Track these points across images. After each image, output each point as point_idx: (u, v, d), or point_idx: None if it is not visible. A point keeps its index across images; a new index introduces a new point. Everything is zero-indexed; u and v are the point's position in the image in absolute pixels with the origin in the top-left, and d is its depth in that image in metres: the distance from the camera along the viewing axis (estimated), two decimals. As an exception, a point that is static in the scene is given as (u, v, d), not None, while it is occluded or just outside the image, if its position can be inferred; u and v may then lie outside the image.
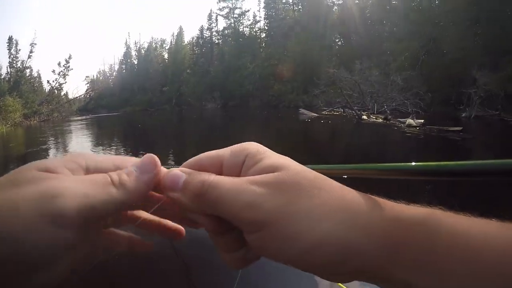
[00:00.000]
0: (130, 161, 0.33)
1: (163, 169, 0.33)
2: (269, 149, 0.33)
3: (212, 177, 0.30)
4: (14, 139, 23.66)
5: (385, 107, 20.15)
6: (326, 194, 0.28)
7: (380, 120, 16.95)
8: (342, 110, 22.06)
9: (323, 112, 22.45)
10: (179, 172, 0.32)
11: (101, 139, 14.76)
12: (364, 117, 18.16)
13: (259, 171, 0.30)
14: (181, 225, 0.37)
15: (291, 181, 0.28)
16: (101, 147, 12.14)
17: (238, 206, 0.28)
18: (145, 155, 0.32)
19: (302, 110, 23.25)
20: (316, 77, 28.84)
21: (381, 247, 0.26)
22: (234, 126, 18.57)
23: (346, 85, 24.52)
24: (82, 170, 0.31)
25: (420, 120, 14.48)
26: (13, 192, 0.25)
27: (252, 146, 0.33)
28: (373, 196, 0.29)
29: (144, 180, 0.31)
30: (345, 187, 0.30)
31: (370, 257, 0.26)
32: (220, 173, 0.32)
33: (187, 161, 0.35)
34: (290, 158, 0.31)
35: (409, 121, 14.59)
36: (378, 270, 0.26)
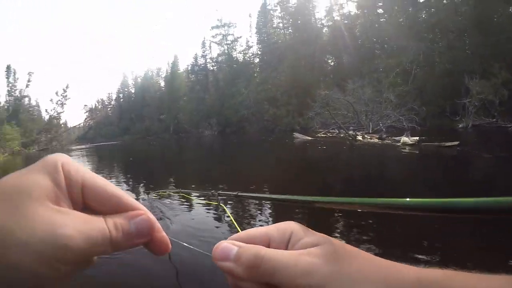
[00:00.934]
0: (128, 204, 0.35)
1: (158, 228, 0.36)
2: (309, 228, 0.37)
3: (265, 250, 0.34)
4: (13, 168, 23.45)
5: (381, 125, 19.88)
6: (361, 261, 0.32)
7: (375, 140, 16.56)
8: (337, 131, 21.62)
9: (318, 135, 22.04)
10: (229, 244, 0.36)
11: (101, 170, 14.64)
12: (359, 137, 17.74)
13: (304, 246, 0.34)
14: None
15: (334, 253, 0.32)
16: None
17: (296, 274, 0.31)
18: (142, 218, 0.35)
19: (296, 134, 22.93)
20: (310, 99, 28.60)
21: None
22: (230, 155, 18.44)
23: (340, 106, 24.41)
24: (80, 197, 0.34)
25: (415, 138, 14.03)
26: (23, 222, 0.28)
27: (295, 225, 0.37)
28: (389, 260, 0.32)
29: (136, 243, 0.34)
30: (367, 253, 0.33)
31: None
32: (267, 247, 0.36)
33: (235, 234, 0.39)
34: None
35: (404, 139, 14.19)
36: None
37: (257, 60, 53.32)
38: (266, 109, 38.36)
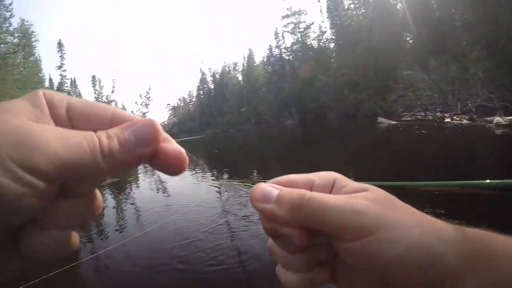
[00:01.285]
0: (126, 117, 0.31)
1: (166, 137, 0.31)
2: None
3: (310, 192, 0.33)
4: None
5: (470, 104, 18.93)
6: (409, 209, 0.32)
7: (465, 121, 15.88)
8: (423, 114, 20.90)
9: (403, 119, 21.24)
10: (269, 187, 0.34)
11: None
12: (447, 119, 17.28)
13: (351, 191, 0.34)
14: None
15: (384, 197, 0.33)
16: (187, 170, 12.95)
17: (345, 214, 0.30)
18: (144, 121, 0.29)
19: (380, 119, 22.23)
20: (392, 81, 27.65)
21: (457, 254, 0.30)
22: (314, 143, 18.21)
23: (424, 86, 23.62)
24: (67, 121, 0.29)
25: (509, 117, 13.21)
26: None
27: (338, 174, 0.38)
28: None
29: (138, 155, 0.28)
30: (410, 206, 0.34)
31: (449, 264, 0.29)
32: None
33: (275, 178, 0.37)
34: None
35: (497, 119, 13.34)
36: (454, 277, 0.29)
37: (332, 45, 52.62)
38: (347, 94, 37.79)
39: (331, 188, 0.36)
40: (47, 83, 57.05)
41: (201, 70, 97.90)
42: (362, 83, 36.83)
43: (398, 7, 41.09)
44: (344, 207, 0.30)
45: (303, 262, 0.34)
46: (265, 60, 64.32)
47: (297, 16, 54.47)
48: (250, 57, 70.46)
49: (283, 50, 59.36)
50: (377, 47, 36.94)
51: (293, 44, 56.79)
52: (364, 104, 35.06)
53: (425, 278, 0.30)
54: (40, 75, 48.63)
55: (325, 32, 53.19)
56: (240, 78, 77.34)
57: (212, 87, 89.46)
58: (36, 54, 49.13)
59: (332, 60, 49.46)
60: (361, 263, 0.31)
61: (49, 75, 76.27)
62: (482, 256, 0.29)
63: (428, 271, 0.29)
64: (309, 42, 54.21)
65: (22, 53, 41.29)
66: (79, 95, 69.85)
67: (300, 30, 54.58)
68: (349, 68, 39.65)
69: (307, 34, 54.43)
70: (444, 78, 23.15)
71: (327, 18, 51.22)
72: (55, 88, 57.90)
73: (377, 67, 35.50)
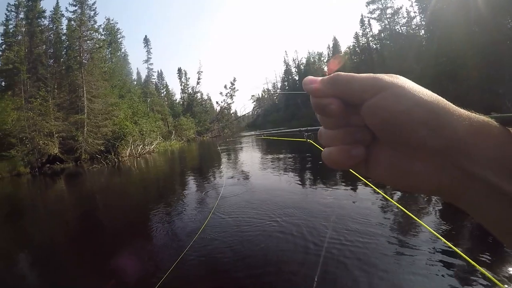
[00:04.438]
0: None
1: None
2: None
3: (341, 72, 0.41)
4: (188, 150, 32.76)
5: None
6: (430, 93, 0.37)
7: None
8: None
9: None
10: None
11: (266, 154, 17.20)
12: None
13: None
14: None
15: (399, 77, 0.40)
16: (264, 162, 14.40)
17: (366, 79, 0.38)
18: None
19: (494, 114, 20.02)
20: (496, 70, 25.61)
21: (466, 128, 0.34)
22: None
23: None
24: None
25: None
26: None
27: None
28: None
29: None
30: None
31: (458, 133, 0.34)
32: None
33: None
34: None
35: None
36: (465, 150, 0.33)
37: (422, 32, 48.53)
38: (445, 85, 34.75)
39: None
40: (134, 75, 62.81)
41: (285, 61, 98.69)
42: (462, 74, 34.22)
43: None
44: (365, 75, 0.39)
45: (343, 135, 0.42)
46: (351, 50, 61.97)
47: (383, 1, 50.90)
48: (335, 47, 69.50)
49: (370, 39, 55.99)
50: (474, 32, 34.18)
51: (380, 31, 53.16)
52: (463, 98, 31.10)
53: (432, 140, 0.35)
54: (128, 68, 53.98)
55: (414, 17, 48.92)
56: (326, 69, 75.47)
57: (297, 78, 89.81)
58: (123, 49, 54.12)
59: (423, 48, 45.95)
60: (378, 119, 0.37)
61: (137, 68, 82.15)
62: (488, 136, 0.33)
63: (435, 132, 0.34)
64: (398, 29, 50.41)
65: (109, 49, 47.14)
66: (166, 86, 75.06)
67: (387, 16, 50.95)
68: (446, 56, 37.06)
69: (396, 20, 50.54)
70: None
71: (415, 2, 47.53)
72: (142, 80, 63.58)
73: (479, 54, 32.10)
